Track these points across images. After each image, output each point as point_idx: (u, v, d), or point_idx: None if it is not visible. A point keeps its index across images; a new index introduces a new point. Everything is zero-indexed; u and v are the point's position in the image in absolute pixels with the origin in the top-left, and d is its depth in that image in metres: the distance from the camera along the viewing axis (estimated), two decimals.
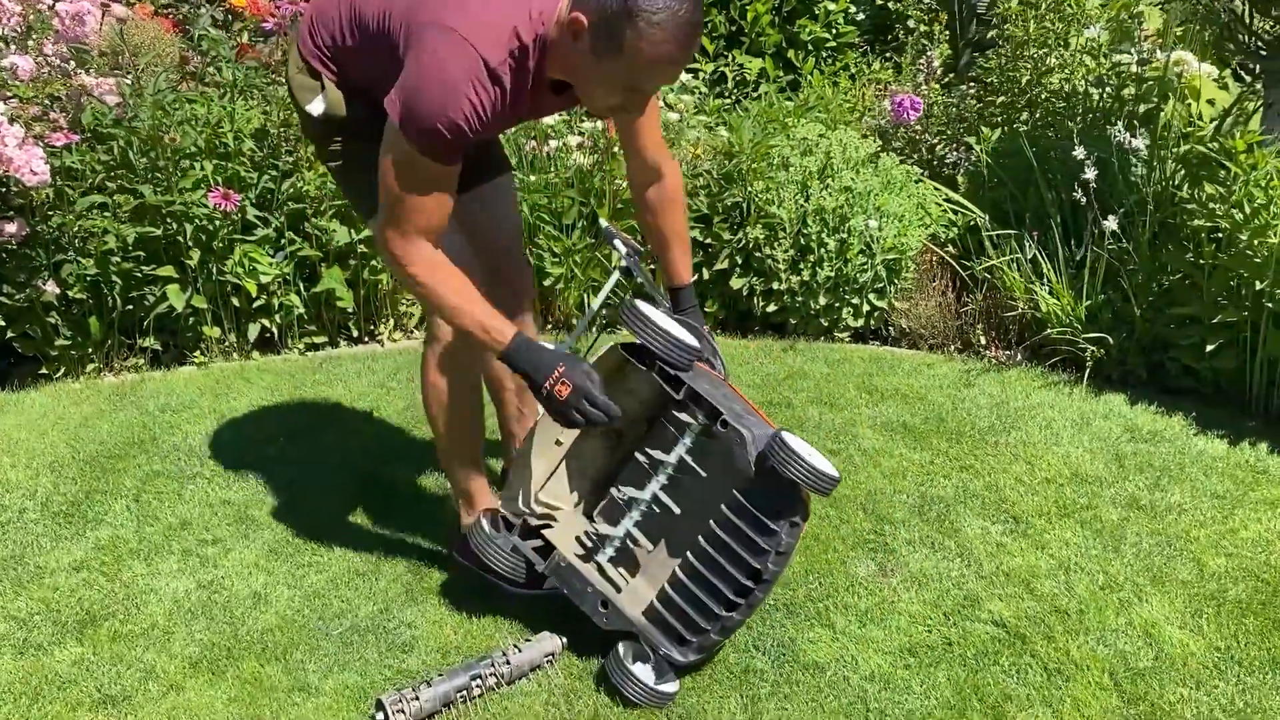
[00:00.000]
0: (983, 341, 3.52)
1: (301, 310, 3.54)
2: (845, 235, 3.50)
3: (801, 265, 3.54)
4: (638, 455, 2.23)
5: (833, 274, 3.52)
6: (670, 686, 2.03)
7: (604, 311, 3.35)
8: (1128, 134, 3.21)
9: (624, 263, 2.33)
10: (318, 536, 2.57)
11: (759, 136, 3.72)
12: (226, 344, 3.51)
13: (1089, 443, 2.97)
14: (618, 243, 2.33)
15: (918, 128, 4.18)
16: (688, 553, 2.12)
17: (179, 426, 3.08)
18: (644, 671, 2.02)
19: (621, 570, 2.20)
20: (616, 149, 3.62)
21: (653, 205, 2.30)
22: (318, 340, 3.65)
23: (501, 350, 2.01)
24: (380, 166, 1.93)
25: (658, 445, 2.21)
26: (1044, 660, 2.15)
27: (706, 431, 2.15)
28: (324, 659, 2.18)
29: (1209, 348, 3.10)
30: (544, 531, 2.19)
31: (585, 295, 3.66)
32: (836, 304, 3.59)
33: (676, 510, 2.17)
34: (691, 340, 2.09)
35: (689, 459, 2.16)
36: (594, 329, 2.59)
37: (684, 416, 2.14)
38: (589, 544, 2.23)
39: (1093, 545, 2.52)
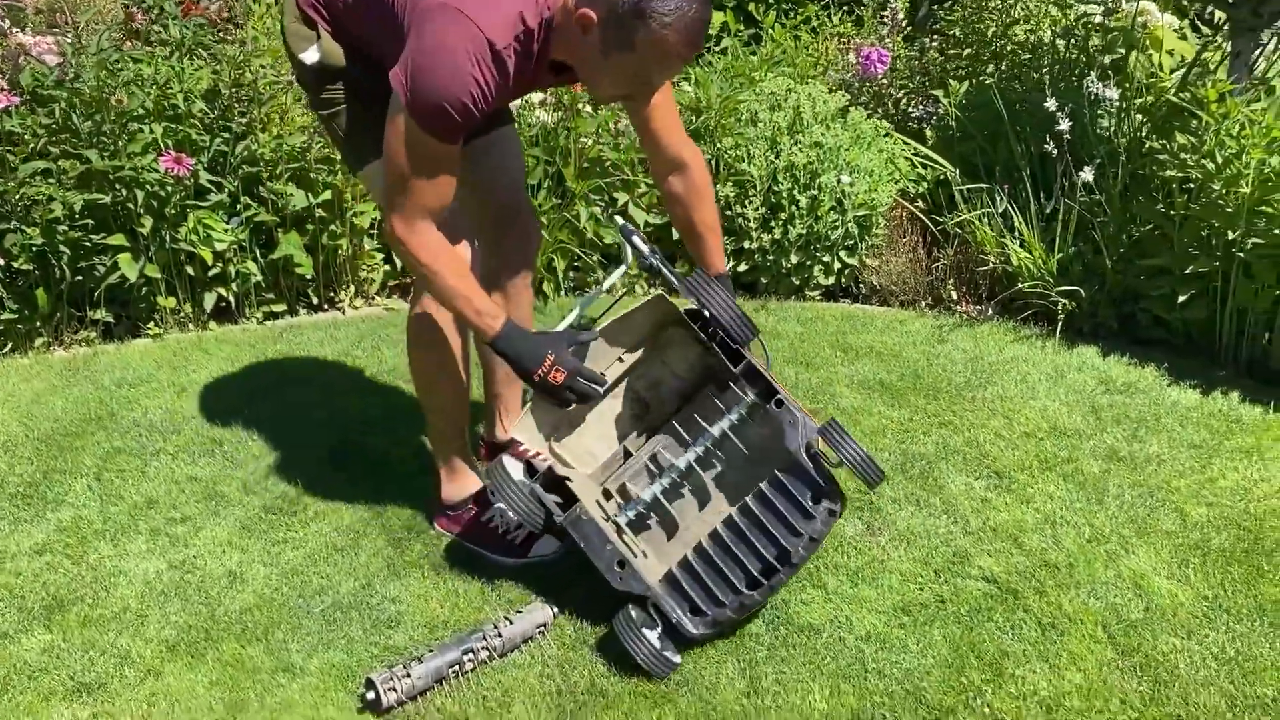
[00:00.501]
0: (954, 297, 3.50)
1: (259, 278, 3.43)
2: (816, 192, 3.46)
3: (772, 223, 3.49)
4: (676, 424, 2.21)
5: (804, 231, 3.48)
6: (676, 656, 1.99)
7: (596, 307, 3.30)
8: (1100, 84, 3.19)
9: (650, 261, 2.30)
10: (292, 511, 2.49)
11: (726, 92, 3.65)
12: (182, 314, 3.39)
13: (1065, 395, 2.97)
14: (636, 240, 2.31)
15: (883, 81, 4.14)
16: (717, 525, 2.10)
17: (137, 401, 2.97)
18: (653, 636, 1.98)
19: (642, 535, 2.16)
20: (582, 106, 3.53)
21: (681, 198, 2.25)
22: (276, 309, 3.54)
23: (492, 336, 2.00)
24: (386, 146, 1.92)
25: (698, 416, 2.19)
26: (1037, 615, 2.15)
27: (752, 409, 2.12)
28: (307, 638, 2.11)
29: (1180, 298, 3.11)
30: (568, 483, 2.12)
31: (553, 259, 3.59)
32: (808, 262, 3.55)
33: (711, 483, 2.14)
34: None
35: (732, 434, 2.13)
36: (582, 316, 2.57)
37: (737, 391, 2.14)
38: (609, 505, 2.18)
39: (1076, 498, 2.52)
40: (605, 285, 2.27)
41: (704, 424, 2.16)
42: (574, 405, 2.08)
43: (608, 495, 2.20)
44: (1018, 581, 2.24)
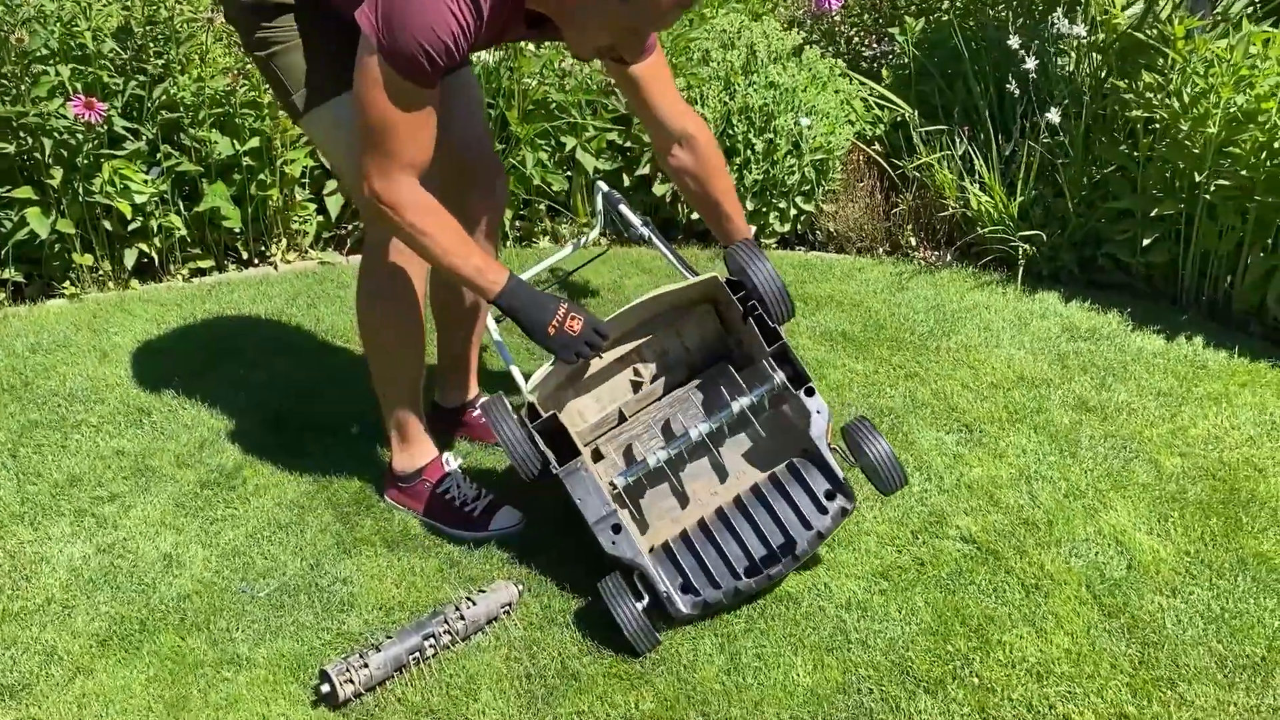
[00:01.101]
0: (912, 243, 3.41)
1: (183, 232, 3.20)
2: (772, 135, 3.32)
3: (728, 168, 3.34)
4: (692, 396, 2.10)
5: (761, 177, 3.34)
6: (657, 634, 1.89)
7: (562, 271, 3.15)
8: (1066, 20, 3.09)
9: (641, 232, 2.16)
10: (230, 486, 2.32)
11: (677, 29, 3.48)
12: (100, 273, 3.16)
13: (1029, 344, 2.91)
14: (625, 209, 2.19)
15: (835, 18, 3.99)
16: (724, 504, 1.99)
17: (54, 369, 2.75)
18: (640, 608, 1.87)
19: (639, 502, 2.04)
20: (524, 45, 3.34)
21: (691, 171, 2.12)
22: (203, 265, 3.32)
23: (496, 292, 1.87)
24: (357, 97, 1.76)
25: (723, 390, 2.09)
26: (1020, 576, 2.08)
27: (777, 392, 2.03)
28: (253, 626, 1.96)
29: (1145, 242, 3.05)
30: (568, 433, 1.99)
31: None
32: (763, 209, 3.42)
33: (723, 459, 2.02)
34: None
35: (751, 414, 2.02)
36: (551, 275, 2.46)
37: (765, 371, 2.04)
38: (600, 466, 2.06)
39: (1049, 451, 2.45)
40: (581, 243, 2.14)
41: (727, 397, 2.04)
42: (581, 360, 1.98)
43: (596, 456, 2.07)
44: (997, 541, 2.17)
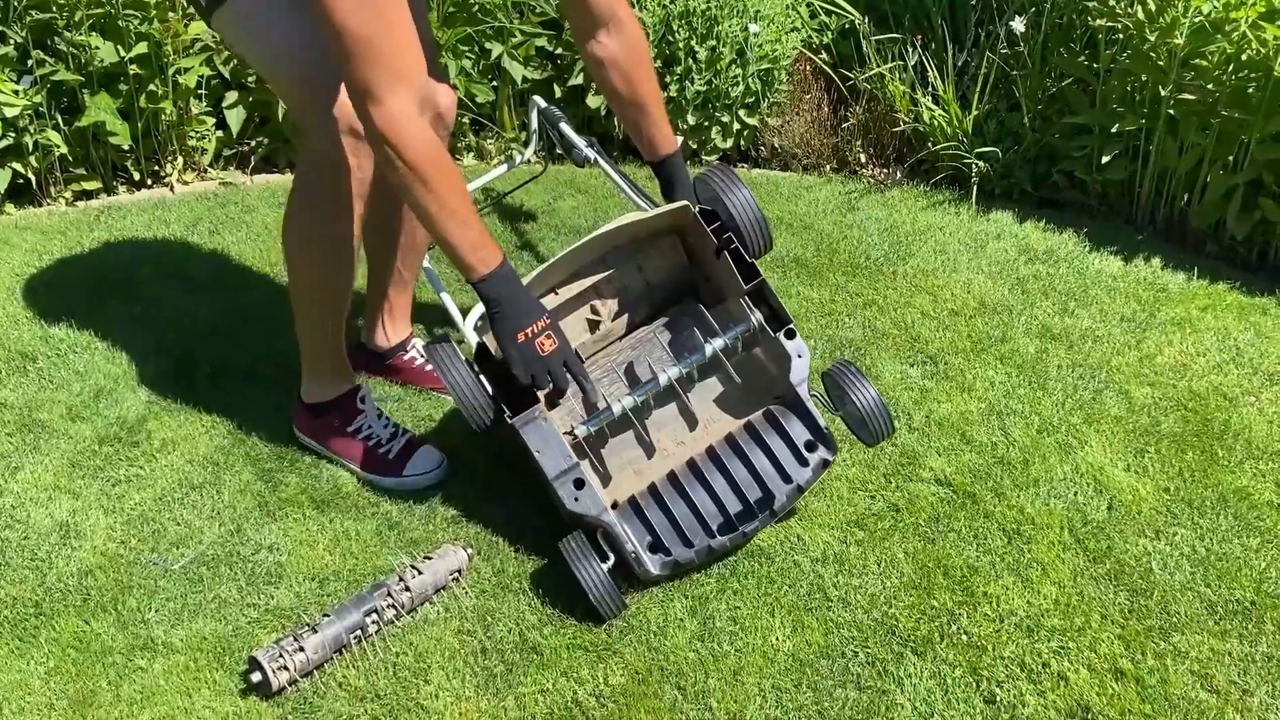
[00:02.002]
0: (861, 160, 3.24)
1: (64, 150, 2.86)
2: (715, 43, 3.09)
3: (668, 78, 3.11)
4: (658, 336, 1.89)
5: (703, 88, 3.12)
6: (624, 598, 1.72)
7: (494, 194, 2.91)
8: None
9: (586, 154, 1.94)
10: (133, 442, 2.07)
11: None
12: None
13: (987, 267, 2.78)
14: (566, 128, 1.94)
15: None
16: (695, 455, 1.81)
17: None
18: (605, 570, 1.70)
19: (603, 453, 1.85)
20: None
21: (617, 62, 1.87)
22: (89, 186, 2.98)
23: (483, 273, 1.65)
24: (325, 7, 1.50)
25: (683, 329, 1.90)
26: (999, 521, 1.97)
27: (751, 333, 1.84)
28: (168, 604, 1.75)
29: (1104, 158, 2.93)
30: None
31: None
32: (705, 123, 3.20)
33: (694, 406, 1.83)
34: None
35: (724, 358, 1.84)
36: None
37: (742, 310, 1.85)
38: (557, 415, 1.86)
39: (1018, 383, 2.34)
40: (516, 163, 1.91)
41: (698, 338, 1.85)
42: (539, 390, 1.75)
43: (551, 403, 1.88)
44: (973, 483, 2.05)
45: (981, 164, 3.05)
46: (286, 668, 1.58)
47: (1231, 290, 2.70)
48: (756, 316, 1.83)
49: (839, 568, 1.85)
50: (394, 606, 1.69)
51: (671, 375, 1.81)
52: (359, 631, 1.66)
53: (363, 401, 2.01)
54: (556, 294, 1.90)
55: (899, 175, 3.21)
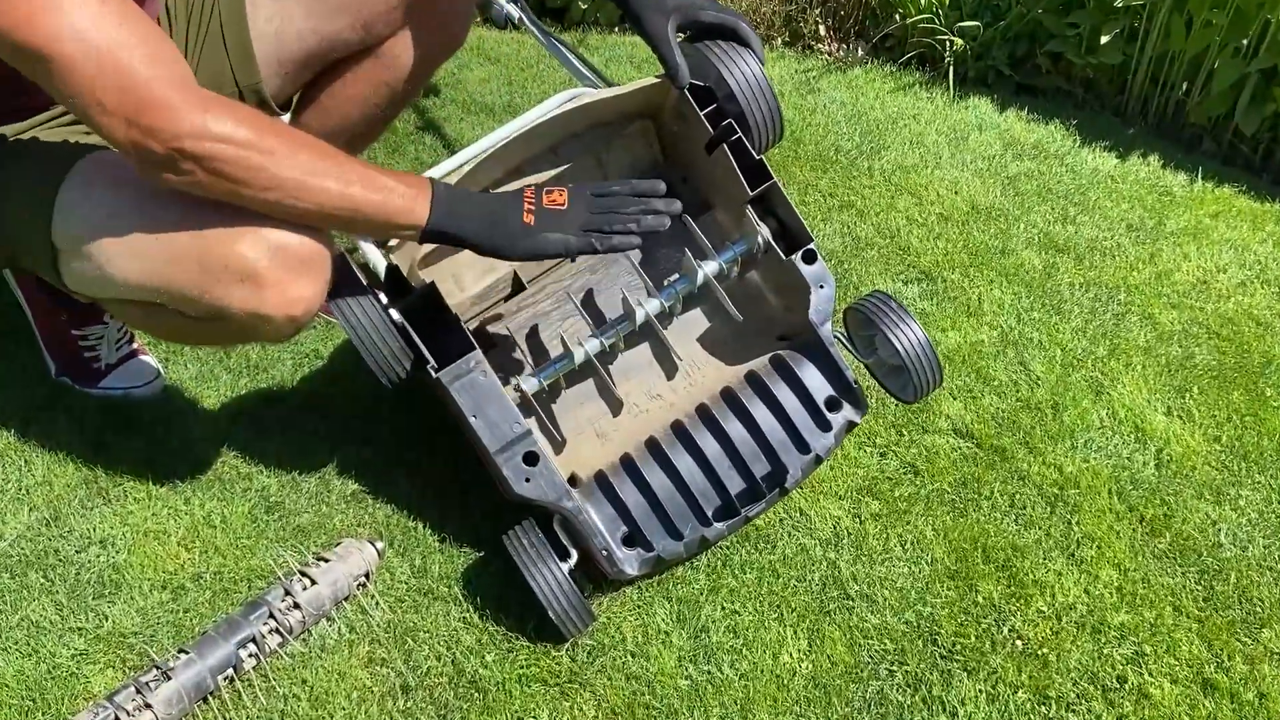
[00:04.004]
0: (820, 34, 2.78)
1: None
2: None
3: None
4: (627, 254, 1.39)
5: None
6: (591, 608, 1.29)
7: None
8: None
9: (505, 9, 1.68)
10: None
11: None
12: None
13: (973, 163, 2.39)
14: None
15: None
16: (682, 416, 1.36)
17: None
18: (565, 571, 1.27)
19: (552, 407, 1.39)
20: None
21: None
22: None
23: (425, 215, 1.19)
24: (47, 42, 1.02)
25: (659, 246, 1.44)
26: (1037, 484, 1.61)
27: (754, 254, 1.38)
28: None
29: (1103, 38, 2.54)
30: (452, 316, 1.31)
31: None
32: None
33: (677, 351, 1.38)
34: None
35: (718, 284, 1.36)
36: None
37: (748, 221, 1.37)
38: (512, 366, 1.40)
39: (1030, 306, 1.97)
40: None
41: (686, 257, 1.38)
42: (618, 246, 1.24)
43: (486, 344, 1.41)
44: (999, 434, 1.68)
45: (959, 41, 2.63)
46: None
47: (1239, 195, 2.37)
48: (763, 231, 1.38)
49: (856, 553, 1.46)
50: (279, 631, 1.23)
51: (650, 310, 1.36)
52: (230, 670, 1.19)
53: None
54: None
55: (860, 52, 2.77)
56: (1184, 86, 2.56)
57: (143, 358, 1.57)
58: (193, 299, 1.14)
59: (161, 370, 1.58)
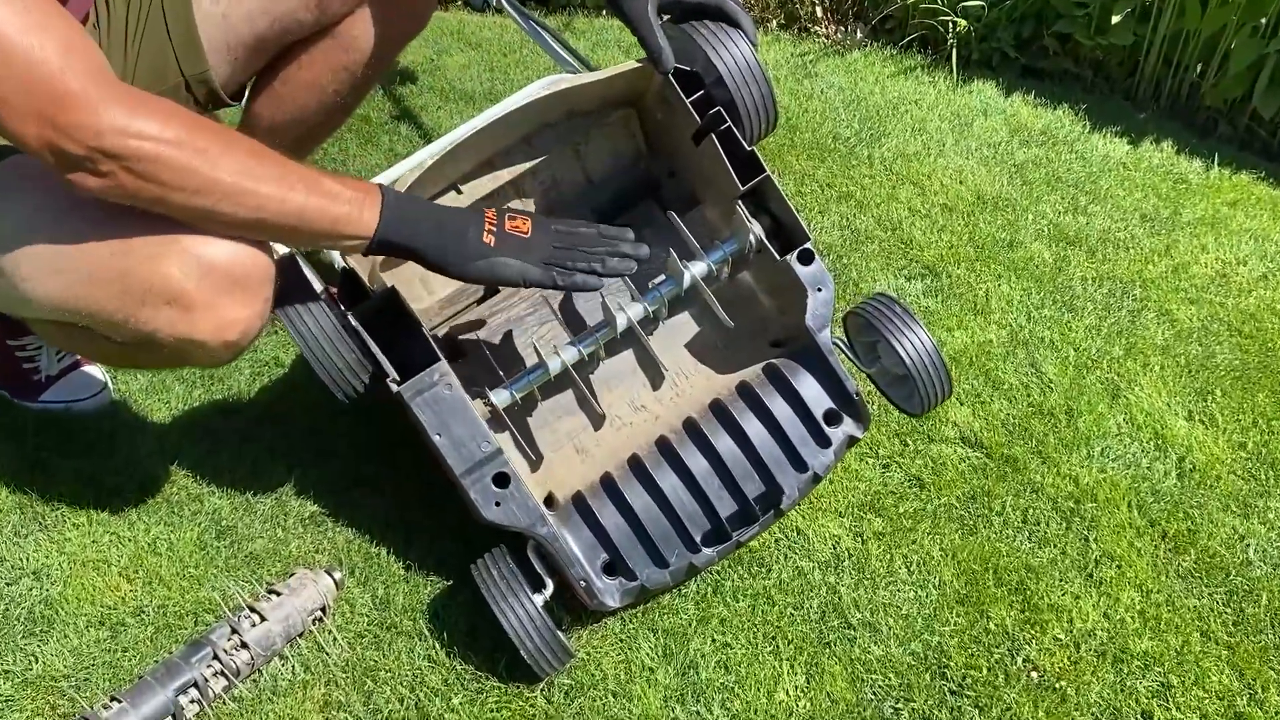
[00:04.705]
0: (817, 15, 2.66)
1: None
2: None
3: None
4: (613, 261, 1.27)
5: None
6: (567, 643, 1.18)
7: None
8: None
9: None
10: None
11: None
12: None
13: (978, 150, 2.27)
14: None
15: None
16: (667, 432, 1.24)
17: None
18: (539, 604, 1.16)
19: (527, 420, 1.28)
20: None
21: None
22: None
23: (374, 223, 1.07)
24: None
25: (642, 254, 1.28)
26: (1051, 497, 1.49)
27: (745, 255, 1.26)
28: None
29: (1115, 18, 2.42)
30: (415, 321, 1.19)
31: None
32: None
33: (662, 360, 1.26)
34: None
35: (706, 288, 1.25)
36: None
37: (738, 218, 1.26)
38: (482, 377, 1.28)
39: (1040, 302, 1.86)
40: None
41: (670, 257, 1.27)
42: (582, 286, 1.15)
43: (454, 353, 1.30)
44: (1010, 443, 1.57)
45: (963, 22, 2.51)
46: None
47: (1258, 182, 2.26)
48: (756, 229, 1.26)
49: (858, 576, 1.35)
50: (224, 674, 1.12)
51: (632, 315, 1.25)
52: (170, 719, 1.08)
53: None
54: (460, 192, 1.30)
55: (859, 35, 2.65)
56: (1199, 68, 2.45)
57: (87, 369, 1.46)
58: (117, 323, 1.02)
59: (109, 382, 1.47)
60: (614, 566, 1.21)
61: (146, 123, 0.95)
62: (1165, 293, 1.91)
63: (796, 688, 1.22)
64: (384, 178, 1.41)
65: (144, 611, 1.22)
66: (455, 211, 1.12)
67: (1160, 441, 1.61)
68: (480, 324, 1.34)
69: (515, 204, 1.35)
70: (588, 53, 2.46)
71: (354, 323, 1.16)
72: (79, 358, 1.47)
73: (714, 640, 1.26)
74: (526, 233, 1.11)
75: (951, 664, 1.26)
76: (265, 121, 1.38)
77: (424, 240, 1.07)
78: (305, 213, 1.02)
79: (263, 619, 1.15)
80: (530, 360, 1.28)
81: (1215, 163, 2.29)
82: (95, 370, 1.48)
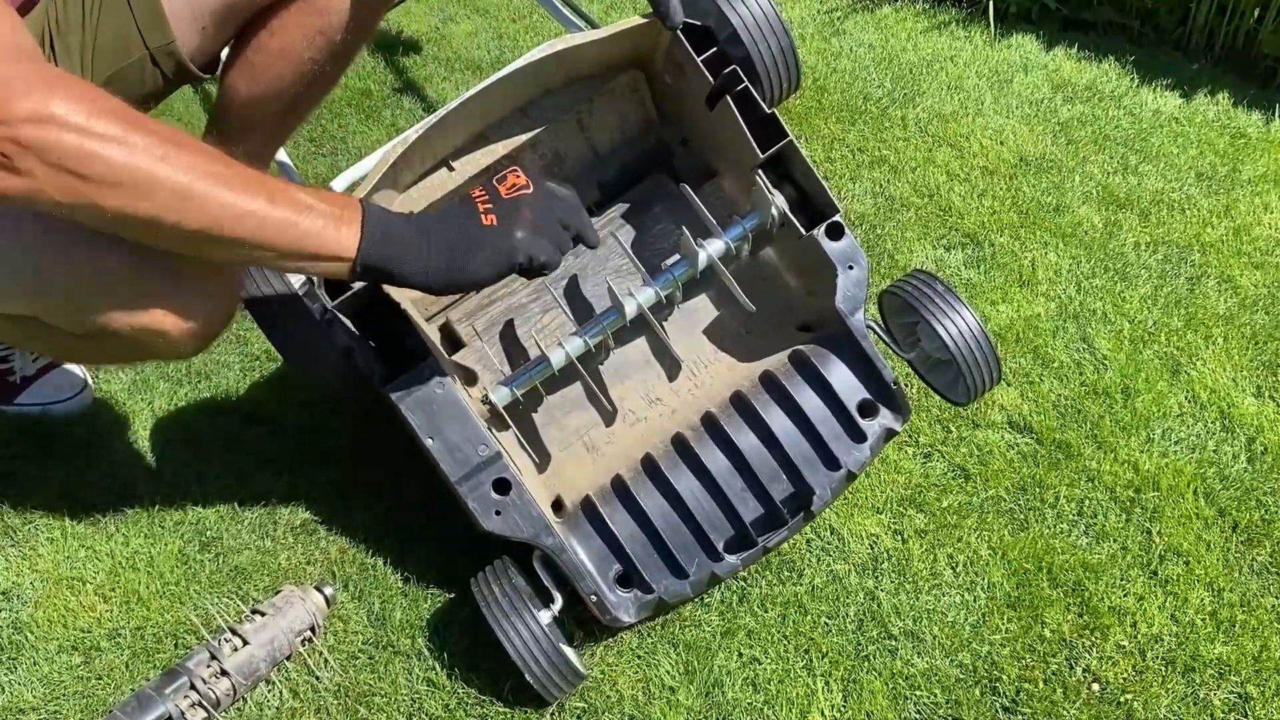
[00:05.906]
0: None
1: None
2: None
3: None
4: (616, 234, 1.19)
5: None
6: (580, 663, 1.08)
7: None
8: None
9: None
10: None
11: None
12: None
13: (1018, 109, 2.12)
14: None
15: None
16: (683, 428, 1.13)
17: None
18: (545, 621, 1.05)
19: (533, 416, 1.17)
20: None
21: None
22: None
23: (357, 239, 0.92)
24: None
25: (654, 221, 1.22)
26: (1108, 485, 1.37)
27: (767, 230, 1.14)
28: None
29: None
30: (405, 309, 1.07)
31: None
32: None
33: (671, 344, 1.14)
34: None
35: (724, 269, 1.13)
36: None
37: (759, 189, 1.12)
38: (474, 363, 1.18)
39: (1091, 272, 1.72)
40: None
41: (684, 235, 1.15)
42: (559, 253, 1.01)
43: (451, 344, 1.19)
44: (1062, 427, 1.44)
45: None
46: None
47: None
48: (778, 202, 1.14)
49: (899, 580, 1.23)
50: (202, 705, 1.02)
51: (643, 300, 1.13)
52: None
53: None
54: (452, 169, 1.19)
55: None
56: (1255, 13, 2.28)
57: (67, 367, 1.37)
58: (67, 313, 0.91)
59: (90, 381, 1.37)
60: (628, 578, 1.10)
61: (71, 109, 0.81)
62: (1226, 257, 1.77)
63: (833, 707, 1.11)
64: (372, 158, 1.30)
65: (120, 634, 1.13)
66: (441, 215, 0.98)
67: (1227, 421, 1.47)
68: (479, 312, 1.23)
69: None
70: (601, 17, 2.33)
71: (341, 321, 1.05)
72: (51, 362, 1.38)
73: (741, 655, 1.14)
74: (526, 185, 0.98)
75: (1003, 677, 1.15)
76: (242, 95, 1.27)
77: (414, 263, 0.93)
78: (266, 225, 0.88)
79: (245, 643, 1.05)
80: (533, 353, 1.17)
81: (1276, 115, 2.13)
82: (76, 369, 1.38)
